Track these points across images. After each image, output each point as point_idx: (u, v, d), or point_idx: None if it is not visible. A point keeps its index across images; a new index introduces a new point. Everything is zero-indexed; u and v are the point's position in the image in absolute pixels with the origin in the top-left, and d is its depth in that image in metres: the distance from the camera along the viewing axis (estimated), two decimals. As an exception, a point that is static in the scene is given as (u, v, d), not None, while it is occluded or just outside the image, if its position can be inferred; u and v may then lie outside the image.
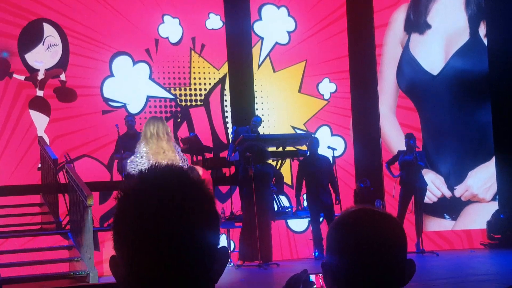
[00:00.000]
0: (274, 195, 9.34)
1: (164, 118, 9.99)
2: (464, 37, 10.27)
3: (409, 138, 8.76)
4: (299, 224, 9.21)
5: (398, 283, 1.30)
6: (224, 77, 10.37)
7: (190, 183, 1.05)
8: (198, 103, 10.27)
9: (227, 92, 10.37)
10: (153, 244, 0.99)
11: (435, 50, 10.21)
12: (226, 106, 10.35)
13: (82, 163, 9.48)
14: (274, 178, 8.28)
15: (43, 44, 9.64)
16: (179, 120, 10.12)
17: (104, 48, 9.82)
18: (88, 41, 9.75)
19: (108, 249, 7.89)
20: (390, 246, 1.28)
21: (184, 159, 5.76)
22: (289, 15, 10.68)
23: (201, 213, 1.03)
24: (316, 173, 8.38)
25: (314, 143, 8.71)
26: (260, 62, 10.53)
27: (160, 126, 5.69)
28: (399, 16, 10.37)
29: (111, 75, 9.86)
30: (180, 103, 10.20)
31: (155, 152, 5.62)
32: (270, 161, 9.55)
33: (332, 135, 10.57)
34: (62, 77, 9.70)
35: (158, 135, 5.64)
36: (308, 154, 8.85)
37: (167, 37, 10.16)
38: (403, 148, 8.92)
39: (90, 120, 9.69)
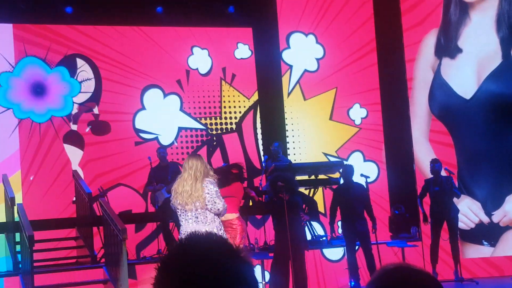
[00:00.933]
0: (308, 224, 9.28)
1: (196, 147, 10.08)
2: (497, 60, 10.13)
3: (434, 163, 8.73)
4: (335, 253, 9.09)
5: None
6: (256, 103, 10.40)
7: (229, 253, 1.06)
8: (232, 127, 10.30)
9: (259, 117, 10.41)
10: None
11: (467, 74, 10.09)
12: (259, 131, 10.37)
13: (117, 192, 9.57)
14: (305, 207, 8.23)
15: (76, 78, 9.81)
16: (214, 143, 10.15)
17: (135, 80, 9.96)
18: (119, 73, 9.90)
19: (144, 284, 7.91)
20: None
21: (213, 200, 5.53)
22: (317, 42, 10.71)
23: (240, 282, 1.03)
24: (351, 201, 8.30)
25: (348, 171, 8.64)
26: (289, 90, 10.55)
27: (198, 164, 5.56)
28: (430, 41, 10.29)
29: (143, 108, 9.98)
30: (211, 132, 10.25)
31: (181, 191, 5.56)
32: (302, 189, 9.50)
33: (365, 160, 10.48)
34: (95, 110, 9.85)
35: (194, 174, 5.55)
36: (342, 182, 8.77)
37: (197, 68, 10.26)
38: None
39: (124, 152, 9.79)
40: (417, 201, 9.12)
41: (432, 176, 8.83)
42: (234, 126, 10.36)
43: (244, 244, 6.93)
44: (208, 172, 5.61)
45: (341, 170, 8.89)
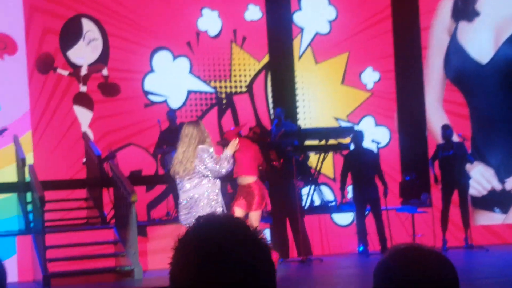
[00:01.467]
0: (318, 189, 9.27)
1: (205, 109, 10.03)
2: (515, 24, 9.88)
3: (445, 129, 8.62)
4: (344, 218, 9.08)
5: None
6: (268, 64, 10.27)
7: (245, 236, 1.08)
8: (243, 89, 10.21)
9: (270, 80, 10.30)
10: None
11: (485, 38, 9.86)
12: (269, 93, 10.28)
13: (128, 152, 9.59)
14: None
15: (83, 40, 9.72)
16: (224, 106, 10.09)
17: (144, 42, 9.84)
18: (127, 34, 9.78)
19: (153, 242, 7.97)
20: (439, 287, 1.25)
21: (209, 166, 5.47)
22: (330, 3, 10.50)
23: (257, 265, 1.06)
24: (362, 167, 8.25)
25: (358, 137, 8.56)
26: (301, 53, 10.40)
27: (194, 132, 5.55)
28: (447, 4, 10.04)
29: (152, 70, 9.90)
30: (220, 95, 10.17)
31: (177, 160, 5.58)
32: (312, 154, 9.46)
33: (376, 125, 10.37)
34: (104, 72, 9.79)
35: (188, 141, 5.54)
36: (353, 148, 8.71)
37: (206, 30, 10.12)
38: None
39: (133, 114, 9.76)
40: (428, 167, 9.05)
41: (443, 141, 8.74)
42: (243, 89, 10.27)
43: (261, 209, 6.66)
44: (205, 139, 5.56)
45: (351, 136, 8.81)
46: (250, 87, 10.27)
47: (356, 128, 9.50)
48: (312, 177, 9.23)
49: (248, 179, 6.59)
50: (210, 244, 1.05)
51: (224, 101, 10.14)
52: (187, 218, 5.51)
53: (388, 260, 1.30)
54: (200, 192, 5.50)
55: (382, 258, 1.32)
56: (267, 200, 7.14)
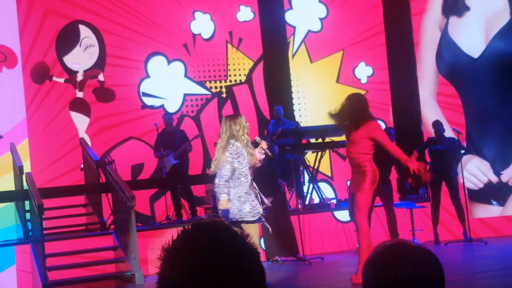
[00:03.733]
0: (316, 187, 9.29)
1: (206, 99, 10.04)
2: (505, 17, 9.92)
3: (438, 125, 8.68)
4: (345, 214, 9.09)
5: None
6: (264, 62, 10.30)
7: (233, 241, 1.08)
8: (242, 80, 10.24)
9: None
10: None
11: (475, 33, 9.90)
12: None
13: (129, 146, 9.61)
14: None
15: (80, 46, 9.73)
16: (221, 100, 10.14)
17: (139, 47, 9.85)
18: (123, 41, 9.80)
19: (154, 247, 7.97)
20: (424, 283, 1.27)
21: (239, 161, 5.30)
22: (319, 1, 10.54)
23: (245, 272, 1.06)
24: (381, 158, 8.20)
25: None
26: (294, 52, 10.44)
27: (227, 127, 5.41)
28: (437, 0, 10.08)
29: (147, 76, 9.92)
30: (215, 90, 10.19)
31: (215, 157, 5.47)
32: (309, 152, 9.49)
33: (372, 122, 10.39)
34: (100, 77, 9.80)
35: (221, 136, 5.46)
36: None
37: (199, 33, 10.14)
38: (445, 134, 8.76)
39: (129, 118, 9.77)
40: (424, 162, 9.07)
41: (435, 136, 8.82)
42: (244, 78, 10.29)
43: (370, 194, 5.72)
44: (238, 136, 5.35)
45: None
46: (249, 77, 10.32)
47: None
48: (311, 175, 9.26)
49: (360, 158, 5.78)
50: (197, 252, 1.05)
51: (224, 95, 10.18)
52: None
53: (376, 256, 1.32)
54: (234, 193, 5.31)
55: (370, 255, 1.34)
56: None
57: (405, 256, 1.28)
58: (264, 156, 5.55)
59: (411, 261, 1.27)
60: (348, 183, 8.56)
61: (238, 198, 5.30)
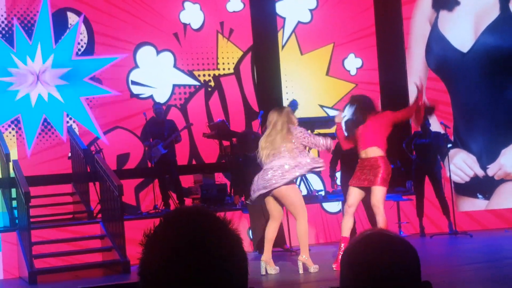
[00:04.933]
0: (304, 179, 9.31)
1: (194, 89, 10.03)
2: (494, 12, 9.98)
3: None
4: (334, 205, 9.14)
5: None
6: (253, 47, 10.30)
7: (216, 227, 1.07)
8: (229, 71, 10.23)
9: (256, 71, 10.33)
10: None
11: (465, 27, 9.95)
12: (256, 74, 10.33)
13: (115, 136, 9.57)
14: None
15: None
16: (209, 89, 10.12)
17: (128, 37, 9.80)
18: (112, 30, 9.74)
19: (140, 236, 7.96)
20: (401, 271, 1.28)
21: (308, 141, 5.96)
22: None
23: (227, 257, 1.05)
24: (351, 155, 8.28)
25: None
26: (284, 43, 10.44)
27: (278, 119, 5.86)
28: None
29: (136, 66, 9.87)
30: (204, 83, 10.17)
31: (260, 147, 5.89)
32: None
33: (361, 115, 10.43)
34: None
35: (275, 127, 5.84)
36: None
37: (189, 23, 10.11)
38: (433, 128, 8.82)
39: (119, 107, 9.74)
40: (410, 155, 9.14)
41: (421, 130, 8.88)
42: (231, 71, 10.28)
43: (386, 187, 5.90)
44: (291, 120, 5.93)
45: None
46: (237, 68, 10.31)
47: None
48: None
49: (374, 151, 5.93)
50: (179, 237, 1.04)
51: (212, 84, 10.18)
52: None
53: (353, 245, 1.33)
54: (281, 163, 5.83)
55: (349, 244, 1.36)
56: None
57: (382, 246, 1.29)
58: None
59: (387, 251, 1.28)
60: (338, 174, 8.64)
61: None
